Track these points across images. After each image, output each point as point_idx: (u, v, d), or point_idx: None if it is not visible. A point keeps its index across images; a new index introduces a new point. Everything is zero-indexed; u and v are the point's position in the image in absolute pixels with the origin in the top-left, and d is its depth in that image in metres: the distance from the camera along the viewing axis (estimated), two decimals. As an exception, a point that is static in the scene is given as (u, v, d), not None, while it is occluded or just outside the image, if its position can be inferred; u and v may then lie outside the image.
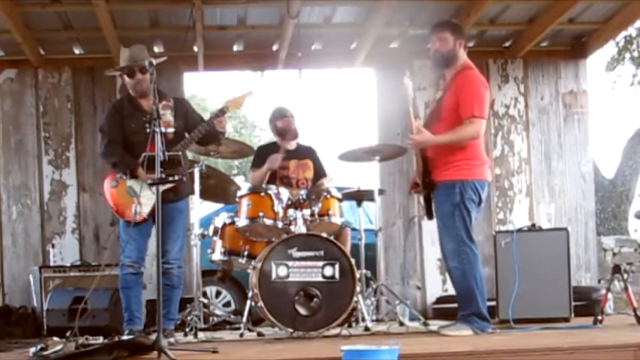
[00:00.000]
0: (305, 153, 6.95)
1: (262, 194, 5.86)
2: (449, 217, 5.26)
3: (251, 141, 23.48)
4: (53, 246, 7.62)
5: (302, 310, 5.35)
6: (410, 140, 5.32)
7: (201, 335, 5.66)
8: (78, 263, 7.29)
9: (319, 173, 6.92)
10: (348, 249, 6.05)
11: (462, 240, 5.22)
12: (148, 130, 4.88)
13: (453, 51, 5.36)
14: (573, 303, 6.18)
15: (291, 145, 6.92)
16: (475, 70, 5.40)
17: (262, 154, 6.90)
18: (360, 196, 6.45)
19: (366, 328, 5.61)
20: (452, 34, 5.37)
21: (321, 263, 5.43)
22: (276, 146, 6.96)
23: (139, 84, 5.49)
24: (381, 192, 6.78)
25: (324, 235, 5.60)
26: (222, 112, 5.59)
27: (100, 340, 4.94)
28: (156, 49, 7.90)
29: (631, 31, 12.61)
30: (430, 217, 5.50)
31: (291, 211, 5.80)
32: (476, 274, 5.22)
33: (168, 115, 5.46)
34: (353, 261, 5.51)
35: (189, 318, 5.89)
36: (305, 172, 6.84)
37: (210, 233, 6.21)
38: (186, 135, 5.51)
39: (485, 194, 5.36)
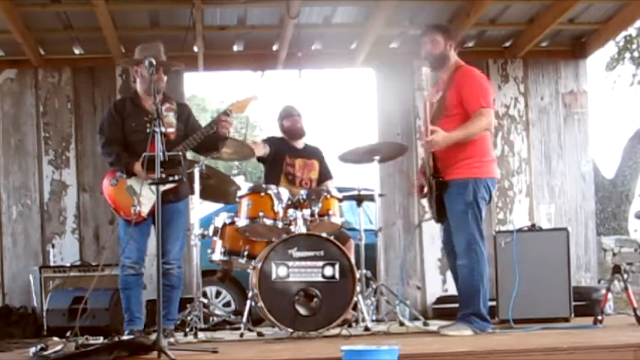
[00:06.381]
0: (312, 153, 6.93)
1: (262, 194, 5.85)
2: (462, 215, 5.26)
3: (251, 141, 23.42)
4: (53, 246, 7.62)
5: (302, 310, 5.35)
6: (426, 141, 5.28)
7: (201, 335, 5.66)
8: (78, 263, 7.30)
9: (324, 175, 6.90)
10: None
11: (474, 238, 5.24)
12: (148, 130, 4.87)
13: (444, 52, 5.46)
14: (573, 303, 6.19)
15: (299, 145, 6.92)
16: (471, 67, 5.48)
17: (270, 144, 6.86)
18: (360, 197, 6.44)
19: (366, 328, 5.60)
20: (442, 36, 5.47)
21: (321, 263, 5.43)
22: (284, 141, 6.94)
23: (158, 82, 5.38)
24: (381, 196, 6.80)
25: (324, 235, 5.60)
26: (225, 114, 5.60)
27: (100, 340, 4.93)
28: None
29: (631, 31, 12.61)
30: (439, 219, 5.48)
31: (291, 211, 5.80)
32: (483, 273, 5.24)
33: (170, 118, 5.47)
34: (353, 261, 5.51)
35: (189, 318, 5.88)
36: (310, 172, 6.83)
37: (210, 233, 6.21)
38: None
39: (493, 192, 5.42)
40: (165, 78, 5.49)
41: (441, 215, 5.43)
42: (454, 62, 5.47)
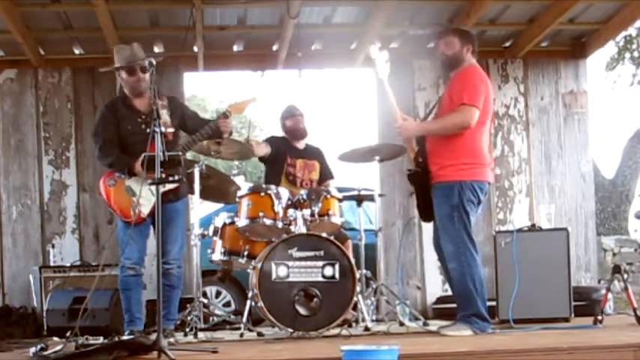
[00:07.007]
0: (313, 154, 6.95)
1: (262, 194, 5.85)
2: (448, 219, 5.25)
3: (251, 141, 23.40)
4: (53, 246, 7.63)
5: (302, 310, 5.35)
6: (396, 130, 5.34)
7: (201, 335, 5.65)
8: (78, 263, 7.30)
9: (325, 175, 6.93)
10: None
11: (462, 242, 5.21)
12: (148, 131, 4.86)
13: (458, 55, 5.38)
14: (573, 303, 6.19)
15: (300, 145, 6.93)
16: (476, 67, 5.41)
17: (271, 144, 6.86)
18: (360, 197, 6.44)
19: (366, 328, 5.60)
20: (459, 38, 5.40)
21: (321, 263, 5.43)
22: (285, 141, 6.94)
23: (139, 83, 5.47)
24: (381, 196, 6.80)
25: (324, 235, 5.60)
26: (224, 116, 5.61)
27: (100, 340, 4.93)
28: (156, 49, 7.90)
29: (631, 31, 12.62)
30: (425, 219, 5.48)
31: (291, 211, 5.80)
32: (474, 276, 5.21)
33: (165, 115, 5.45)
34: (353, 261, 5.51)
35: (189, 318, 5.88)
36: (311, 173, 6.85)
37: (210, 233, 6.20)
38: (184, 134, 5.49)
39: (484, 195, 5.35)
40: (146, 77, 5.42)
41: (426, 213, 5.43)
42: (467, 65, 5.39)
